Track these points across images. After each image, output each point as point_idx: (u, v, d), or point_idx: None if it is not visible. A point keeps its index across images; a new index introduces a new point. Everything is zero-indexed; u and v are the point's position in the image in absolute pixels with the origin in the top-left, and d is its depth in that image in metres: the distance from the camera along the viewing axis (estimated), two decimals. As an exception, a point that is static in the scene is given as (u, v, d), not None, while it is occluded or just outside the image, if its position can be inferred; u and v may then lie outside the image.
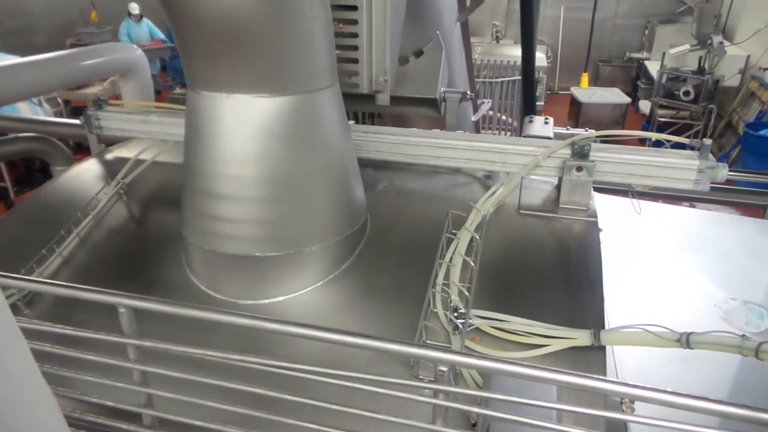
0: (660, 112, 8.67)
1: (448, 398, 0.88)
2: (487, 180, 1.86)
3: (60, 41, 9.02)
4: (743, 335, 0.98)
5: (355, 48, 1.78)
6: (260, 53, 1.25)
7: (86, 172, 1.96)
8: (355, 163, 1.57)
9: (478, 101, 3.81)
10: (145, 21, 9.79)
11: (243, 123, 1.32)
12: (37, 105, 6.87)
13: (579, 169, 1.62)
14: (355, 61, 1.80)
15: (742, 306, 1.91)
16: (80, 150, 7.60)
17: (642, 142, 5.94)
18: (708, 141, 1.61)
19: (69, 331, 0.98)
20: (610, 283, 1.45)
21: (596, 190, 1.73)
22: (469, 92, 2.22)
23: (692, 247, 2.22)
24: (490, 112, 6.45)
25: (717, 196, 2.63)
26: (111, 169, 1.95)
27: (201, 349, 0.95)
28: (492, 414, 0.88)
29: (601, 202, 1.73)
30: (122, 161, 1.93)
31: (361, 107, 2.22)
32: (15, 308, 1.44)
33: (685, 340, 1.04)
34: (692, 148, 1.65)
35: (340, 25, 1.74)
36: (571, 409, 0.88)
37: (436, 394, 0.89)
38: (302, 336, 0.96)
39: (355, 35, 1.76)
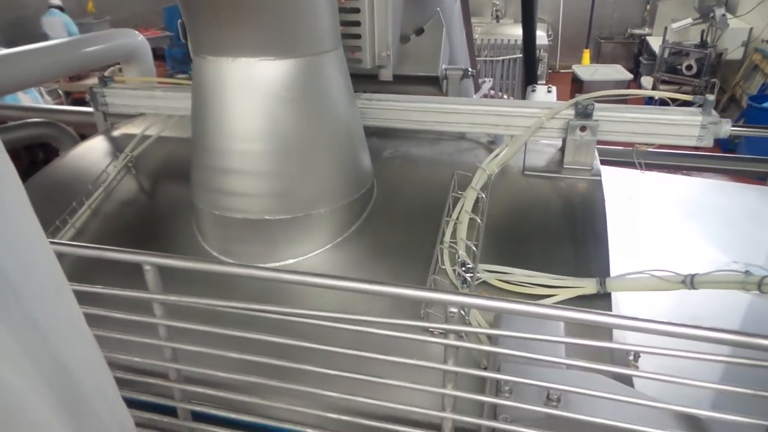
0: (662, 87, 8.61)
1: (459, 339, 0.90)
2: (491, 145, 1.88)
3: (58, 32, 8.98)
4: (746, 271, 1.00)
5: (358, 24, 1.78)
6: (264, 15, 1.26)
7: (94, 149, 1.99)
8: (360, 128, 1.58)
9: (480, 80, 3.79)
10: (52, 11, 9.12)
11: (249, 86, 1.33)
12: (39, 96, 6.88)
13: (583, 129, 1.63)
14: (358, 36, 1.80)
15: (744, 269, 1.93)
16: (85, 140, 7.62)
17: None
18: (711, 96, 1.62)
19: (98, 289, 1.01)
20: (613, 250, 1.47)
21: (601, 162, 1.74)
22: (469, 69, 2.22)
23: (695, 214, 2.23)
24: (492, 91, 6.43)
25: (719, 165, 2.64)
26: (118, 145, 1.97)
27: (223, 301, 0.97)
28: (501, 351, 0.91)
29: (605, 174, 1.74)
30: (129, 137, 1.95)
31: (363, 87, 2.24)
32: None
33: (690, 281, 1.06)
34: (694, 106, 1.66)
35: (343, 1, 1.74)
36: (577, 341, 0.90)
37: (447, 335, 0.91)
38: (314, 284, 0.98)
39: (357, 10, 1.77)
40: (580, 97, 1.64)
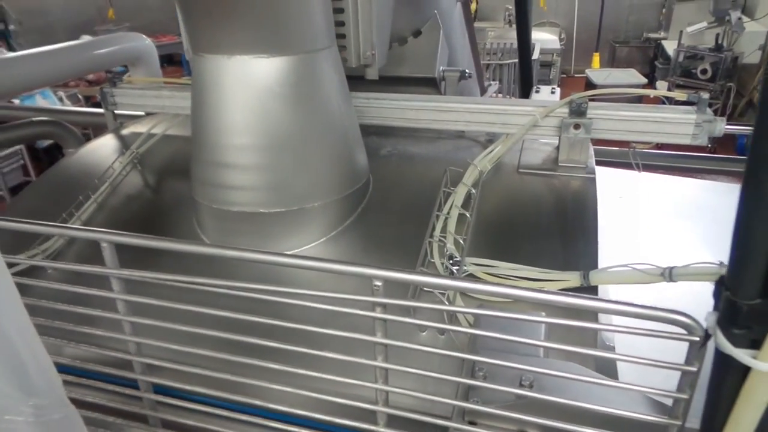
0: (678, 91, 8.51)
1: (385, 311, 0.92)
2: (489, 143, 1.90)
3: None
4: (721, 262, 1.01)
5: (342, 24, 1.81)
6: (258, 13, 1.30)
7: (103, 146, 2.06)
8: (355, 124, 1.62)
9: (486, 84, 3.78)
10: None
11: (244, 83, 1.38)
12: (57, 100, 7.07)
13: (576, 126, 1.64)
14: (343, 36, 1.83)
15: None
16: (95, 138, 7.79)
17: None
18: (705, 95, 1.63)
19: (60, 264, 1.06)
20: (604, 249, 1.47)
21: (597, 163, 1.75)
22: (467, 71, 2.23)
23: (687, 214, 2.21)
24: (499, 95, 6.43)
25: (719, 166, 2.61)
26: (126, 142, 2.04)
27: (175, 275, 1.00)
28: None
29: (601, 174, 1.73)
30: (137, 135, 2.02)
31: (363, 88, 2.27)
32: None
33: (668, 274, 1.07)
34: (692, 104, 1.66)
35: None
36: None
37: (374, 308, 0.92)
38: (259, 261, 0.99)
39: (341, 11, 1.80)
40: (574, 96, 1.66)
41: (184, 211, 1.68)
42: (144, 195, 1.80)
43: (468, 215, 1.44)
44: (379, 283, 0.90)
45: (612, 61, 10.87)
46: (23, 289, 1.43)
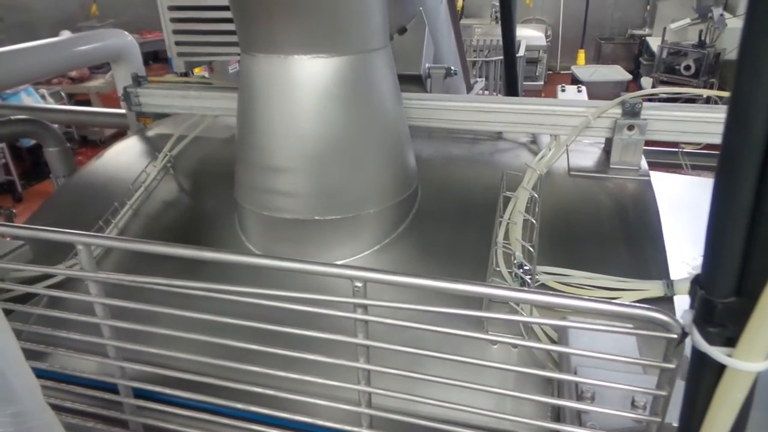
0: (662, 87, 8.63)
1: (367, 312, 0.87)
2: (531, 144, 1.86)
3: (60, 35, 8.90)
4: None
5: None
6: (319, 12, 1.23)
7: (129, 149, 1.95)
8: (406, 127, 1.56)
9: (473, 81, 3.70)
10: None
11: (301, 84, 1.30)
12: (41, 99, 6.83)
13: (630, 128, 1.61)
14: None
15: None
16: (85, 143, 7.56)
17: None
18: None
19: (33, 267, 1.03)
20: None
21: None
22: (453, 68, 2.19)
23: (687, 212, 2.19)
24: (486, 92, 6.40)
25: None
26: (153, 145, 1.94)
27: (152, 278, 0.93)
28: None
29: None
30: (163, 137, 1.92)
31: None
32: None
33: None
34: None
35: None
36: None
37: (355, 309, 0.87)
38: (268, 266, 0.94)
39: None
40: (626, 96, 1.63)
41: (224, 217, 1.60)
42: (181, 200, 1.71)
43: (533, 220, 1.39)
44: (359, 284, 0.85)
45: (597, 58, 10.97)
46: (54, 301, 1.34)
